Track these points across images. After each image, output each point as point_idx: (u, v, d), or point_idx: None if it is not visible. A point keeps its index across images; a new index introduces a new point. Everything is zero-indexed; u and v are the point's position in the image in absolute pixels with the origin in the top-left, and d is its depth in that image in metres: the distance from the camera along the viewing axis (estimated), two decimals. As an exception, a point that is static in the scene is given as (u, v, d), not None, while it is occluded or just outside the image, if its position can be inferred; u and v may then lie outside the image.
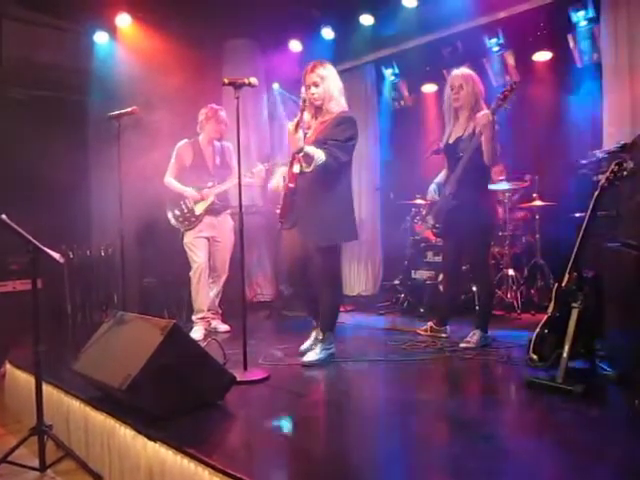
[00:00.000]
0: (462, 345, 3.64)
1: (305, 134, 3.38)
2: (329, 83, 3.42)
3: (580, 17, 4.83)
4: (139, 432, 2.39)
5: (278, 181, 3.63)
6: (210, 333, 4.40)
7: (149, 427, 2.37)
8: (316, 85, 3.39)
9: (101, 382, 2.72)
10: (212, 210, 4.47)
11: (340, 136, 3.31)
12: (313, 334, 3.66)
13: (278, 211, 3.54)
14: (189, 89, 5.28)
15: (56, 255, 2.70)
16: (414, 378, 3.17)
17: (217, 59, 6.27)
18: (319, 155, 3.23)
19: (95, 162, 5.74)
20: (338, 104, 3.43)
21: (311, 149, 3.24)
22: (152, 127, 5.12)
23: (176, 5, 5.12)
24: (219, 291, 4.66)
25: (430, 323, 4.08)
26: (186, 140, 4.52)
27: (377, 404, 2.80)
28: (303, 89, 3.42)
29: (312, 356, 3.40)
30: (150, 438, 2.32)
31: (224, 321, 4.67)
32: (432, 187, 3.87)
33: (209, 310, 4.56)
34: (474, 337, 3.67)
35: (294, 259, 3.52)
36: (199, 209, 4.44)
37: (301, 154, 3.25)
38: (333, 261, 3.51)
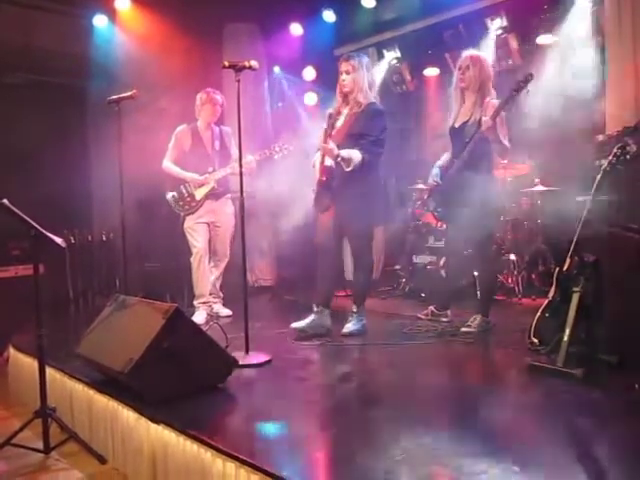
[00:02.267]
0: (463, 329, 3.65)
1: (336, 120, 3.62)
2: (360, 74, 3.60)
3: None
4: (142, 414, 2.42)
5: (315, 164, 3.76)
6: (212, 317, 4.42)
7: (151, 410, 2.39)
8: (347, 73, 3.60)
9: (104, 365, 2.74)
10: (212, 195, 4.47)
11: (374, 131, 3.55)
12: (312, 315, 3.76)
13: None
14: (189, 72, 5.25)
15: (58, 240, 2.71)
16: (414, 362, 3.18)
17: (217, 42, 6.21)
18: (356, 156, 3.49)
19: (95, 147, 5.73)
20: (366, 96, 3.61)
21: (346, 153, 3.49)
22: (152, 111, 5.10)
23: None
24: (220, 275, 4.68)
25: (431, 307, 4.09)
26: (185, 125, 4.50)
27: (377, 388, 2.82)
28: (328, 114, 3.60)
29: (350, 327, 3.71)
30: (153, 420, 2.34)
31: (225, 305, 4.68)
32: (434, 171, 3.85)
33: (211, 294, 4.58)
34: (475, 322, 3.68)
35: (326, 240, 3.76)
36: (200, 194, 4.43)
37: (339, 159, 3.51)
38: (367, 243, 3.77)
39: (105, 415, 2.67)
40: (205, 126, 4.50)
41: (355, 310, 3.80)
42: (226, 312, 4.61)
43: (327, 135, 3.54)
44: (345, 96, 3.67)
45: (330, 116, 3.58)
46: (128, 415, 2.49)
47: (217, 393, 2.67)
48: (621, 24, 4.43)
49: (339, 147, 3.53)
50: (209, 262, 4.58)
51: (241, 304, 3.25)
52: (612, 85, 4.49)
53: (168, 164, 4.46)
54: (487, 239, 3.82)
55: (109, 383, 2.74)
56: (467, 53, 3.73)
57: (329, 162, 3.60)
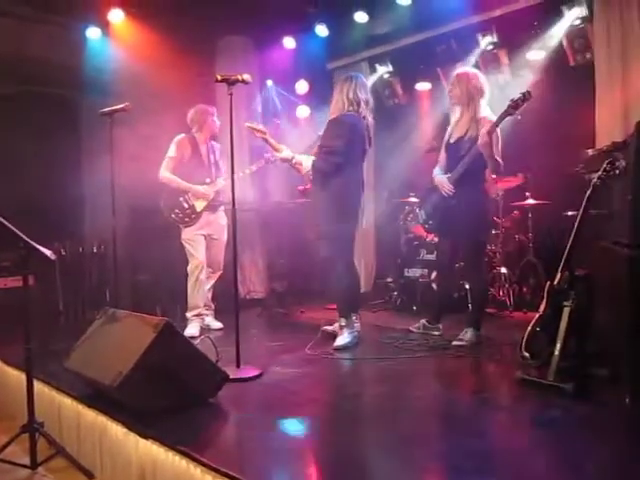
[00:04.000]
0: (455, 343, 3.65)
1: None
2: (336, 96, 3.83)
3: (573, 16, 4.84)
4: (131, 429, 2.39)
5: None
6: (203, 330, 4.40)
7: (141, 425, 2.37)
8: (334, 95, 3.85)
9: (93, 379, 2.71)
10: (210, 207, 4.47)
11: (327, 141, 3.74)
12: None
13: None
14: (182, 86, 5.26)
15: (47, 252, 2.69)
16: (406, 376, 3.17)
17: (210, 56, 6.24)
18: (307, 163, 3.78)
19: (87, 158, 5.72)
20: (333, 113, 3.81)
21: (298, 157, 3.83)
22: (145, 123, 5.10)
23: (169, 1, 5.10)
24: (211, 286, 4.66)
25: (423, 321, 4.09)
26: (184, 135, 4.51)
27: (369, 402, 2.81)
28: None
29: (340, 341, 3.72)
30: (142, 436, 2.32)
31: (217, 317, 4.66)
32: (436, 170, 3.88)
33: (203, 306, 4.55)
34: (467, 335, 3.68)
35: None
36: (200, 206, 4.44)
37: (294, 161, 3.83)
38: (334, 247, 3.80)
39: (93, 430, 2.63)
40: (204, 139, 4.53)
41: (343, 323, 3.79)
42: (217, 325, 4.59)
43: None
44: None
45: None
46: (117, 430, 2.46)
47: (208, 407, 2.64)
48: (610, 40, 4.48)
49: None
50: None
51: (232, 316, 3.24)
52: (601, 100, 4.53)
53: (167, 174, 4.43)
54: (479, 253, 3.84)
55: (98, 397, 2.71)
56: (456, 70, 3.81)
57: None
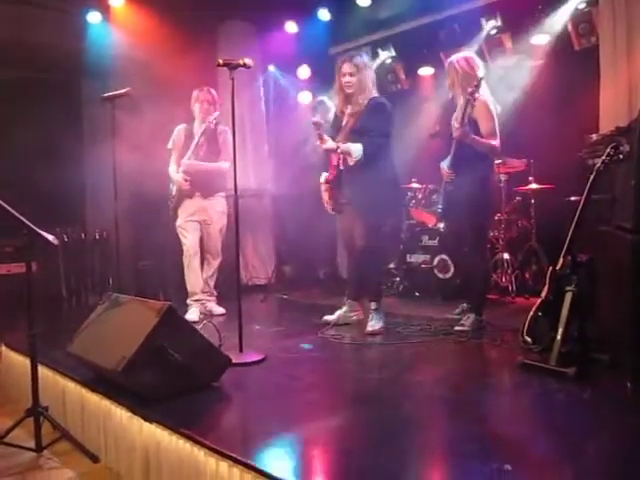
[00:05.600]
0: (456, 328, 3.66)
1: (340, 121, 3.84)
2: (364, 74, 3.71)
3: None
4: (135, 413, 2.41)
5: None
6: (205, 316, 4.41)
7: (145, 408, 2.39)
8: (352, 75, 3.68)
9: (96, 364, 2.73)
10: (202, 192, 4.45)
11: (373, 125, 3.64)
12: (343, 307, 4.03)
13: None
14: (184, 70, 5.23)
15: (50, 237, 2.69)
16: (408, 361, 3.18)
17: (212, 40, 6.19)
18: (356, 148, 3.62)
19: (89, 144, 5.71)
20: (368, 95, 3.71)
21: (345, 146, 3.66)
22: (146, 108, 5.08)
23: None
24: (213, 273, 4.66)
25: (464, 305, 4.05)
26: (183, 125, 4.51)
27: (370, 386, 2.82)
28: (317, 117, 3.88)
29: (374, 325, 3.75)
30: (146, 419, 2.34)
31: (219, 303, 4.67)
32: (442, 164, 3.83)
33: (204, 292, 4.57)
34: (468, 320, 3.69)
35: (349, 239, 3.94)
36: (173, 190, 4.48)
37: (339, 151, 3.70)
38: (377, 235, 3.83)
39: (98, 414, 2.66)
40: (198, 123, 4.49)
41: (374, 307, 3.83)
42: (220, 310, 4.60)
43: (321, 135, 3.71)
44: (347, 96, 3.75)
45: (336, 117, 3.79)
46: (121, 414, 2.48)
47: (211, 392, 2.66)
48: (615, 23, 4.44)
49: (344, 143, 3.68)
50: (202, 260, 4.57)
51: (234, 302, 3.25)
52: (605, 85, 4.50)
53: (170, 169, 4.49)
54: (480, 238, 3.84)
55: (102, 382, 2.73)
56: (448, 59, 3.83)
57: (335, 161, 3.79)
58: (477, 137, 3.54)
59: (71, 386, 2.91)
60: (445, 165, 3.72)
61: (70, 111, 5.88)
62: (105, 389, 2.66)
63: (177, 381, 2.54)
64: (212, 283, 4.68)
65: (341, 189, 3.85)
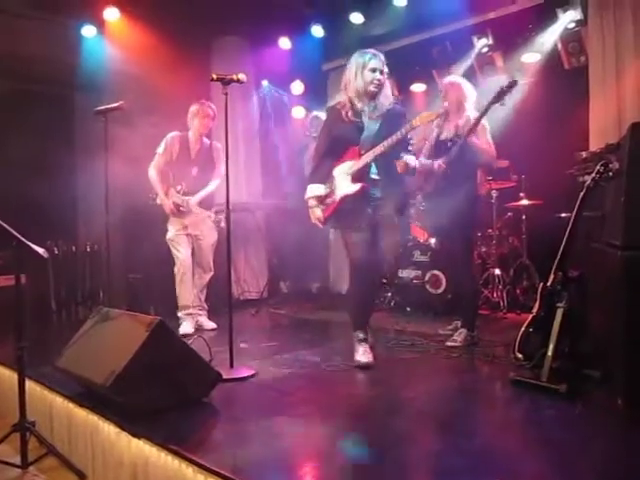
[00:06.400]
0: (448, 344, 3.65)
1: (353, 121, 3.31)
2: (385, 84, 3.38)
3: (568, 19, 4.87)
4: (123, 429, 2.38)
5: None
6: (196, 330, 4.39)
7: (133, 424, 2.36)
8: (382, 72, 3.32)
9: (85, 378, 2.70)
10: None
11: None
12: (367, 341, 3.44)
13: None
14: (177, 85, 5.25)
15: (40, 250, 2.67)
16: (399, 377, 3.17)
17: (206, 55, 6.23)
18: (412, 159, 3.32)
19: (82, 157, 5.70)
20: (388, 96, 3.41)
21: (412, 161, 3.29)
22: (140, 122, 5.08)
23: (165, 0, 5.09)
24: (204, 287, 4.65)
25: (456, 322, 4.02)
26: (176, 132, 4.49)
27: (362, 402, 2.81)
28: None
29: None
30: (134, 435, 2.31)
31: (210, 318, 4.65)
32: (421, 159, 3.79)
33: (195, 306, 4.55)
34: (460, 336, 3.69)
35: (367, 258, 3.32)
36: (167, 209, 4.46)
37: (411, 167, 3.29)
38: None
39: (85, 429, 2.62)
40: (196, 138, 4.50)
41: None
42: (211, 325, 4.58)
43: (356, 147, 3.28)
44: (371, 96, 3.31)
45: (357, 127, 3.29)
46: (109, 429, 2.45)
47: (200, 407, 2.64)
48: (604, 43, 4.51)
49: (371, 149, 3.27)
50: (193, 274, 4.56)
51: (226, 317, 3.23)
52: (595, 103, 4.56)
53: (152, 173, 4.44)
54: (471, 254, 3.86)
55: (90, 396, 2.70)
56: (445, 80, 3.91)
57: (374, 174, 3.33)
58: (477, 142, 3.60)
59: (59, 401, 2.87)
60: (427, 161, 3.73)
61: (63, 124, 5.88)
62: (93, 404, 2.63)
63: (166, 396, 2.52)
64: (203, 297, 4.66)
65: (368, 204, 3.32)
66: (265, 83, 6.80)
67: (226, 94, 3.20)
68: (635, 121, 2.62)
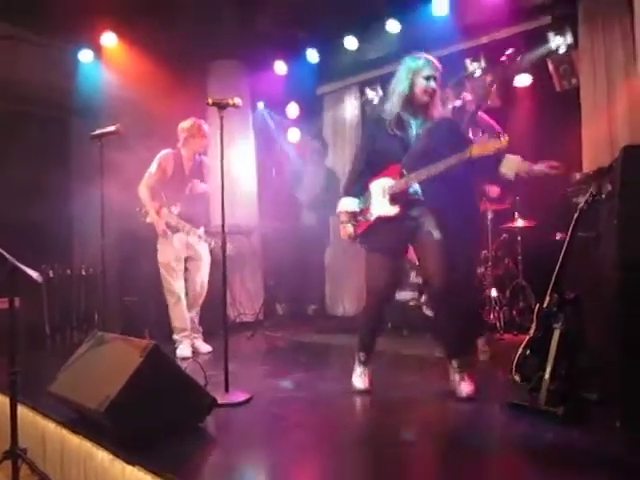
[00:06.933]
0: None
1: (398, 135, 3.02)
2: (439, 93, 3.07)
3: (559, 42, 4.95)
4: (117, 455, 2.34)
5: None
6: (192, 354, 4.35)
7: (127, 450, 2.32)
8: (435, 79, 3.00)
9: (79, 404, 2.66)
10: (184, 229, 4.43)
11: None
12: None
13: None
14: (174, 108, 5.29)
15: (34, 274, 2.66)
16: (393, 402, 3.13)
17: (202, 79, 6.30)
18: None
19: (77, 180, 5.71)
20: (439, 107, 3.11)
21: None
22: (136, 146, 5.11)
23: (162, 25, 5.15)
24: (198, 309, 4.62)
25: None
26: (169, 150, 4.47)
27: (357, 428, 2.78)
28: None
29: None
30: (128, 462, 2.27)
31: (206, 341, 4.61)
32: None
33: (191, 329, 4.52)
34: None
35: (387, 284, 3.23)
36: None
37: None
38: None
39: (78, 456, 2.58)
40: (189, 156, 4.49)
41: (456, 365, 3.08)
42: (206, 348, 4.54)
43: (398, 165, 3.00)
44: (422, 107, 3.04)
45: (402, 141, 3.01)
46: (102, 456, 2.41)
47: (196, 433, 2.60)
48: (595, 66, 4.58)
49: (414, 168, 2.96)
50: (186, 295, 4.54)
51: (221, 340, 3.21)
52: (587, 125, 4.62)
53: (144, 192, 4.38)
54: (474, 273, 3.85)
55: (83, 422, 2.66)
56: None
57: (416, 193, 3.06)
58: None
59: (51, 427, 2.83)
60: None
61: (59, 147, 5.90)
62: (87, 430, 2.59)
63: (161, 422, 2.49)
64: (197, 320, 4.63)
65: (402, 224, 3.08)
66: (261, 106, 6.87)
67: (222, 118, 3.22)
68: (627, 144, 2.65)
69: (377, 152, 3.11)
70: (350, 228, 3.18)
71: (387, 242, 3.09)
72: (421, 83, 2.98)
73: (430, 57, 3.06)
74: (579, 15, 4.69)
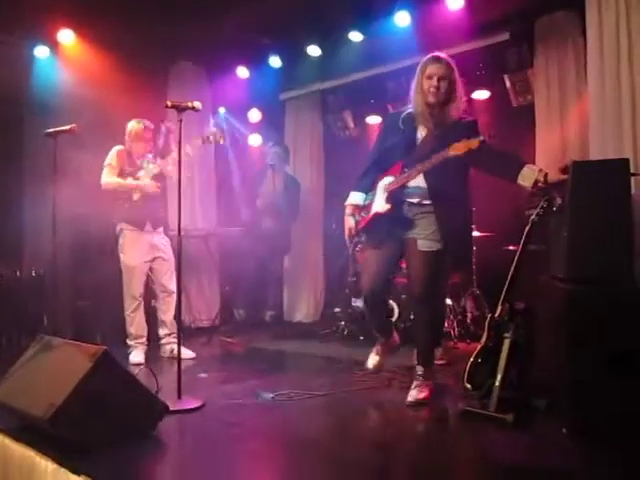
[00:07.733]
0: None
1: (407, 134, 3.04)
2: (455, 76, 2.98)
3: (515, 59, 5.09)
4: (62, 465, 2.26)
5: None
6: (172, 358, 4.20)
7: (73, 459, 2.25)
8: (442, 78, 2.94)
9: (23, 411, 2.57)
10: (152, 221, 4.33)
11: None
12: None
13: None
14: (133, 109, 5.19)
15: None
16: (350, 408, 3.15)
17: (163, 80, 6.20)
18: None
19: (29, 179, 5.54)
20: (461, 107, 3.05)
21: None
22: (92, 146, 4.99)
23: (123, 24, 5.05)
24: (173, 311, 4.43)
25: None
26: (123, 147, 4.41)
27: (310, 433, 2.77)
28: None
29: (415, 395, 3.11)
30: (74, 471, 2.20)
31: (157, 347, 4.51)
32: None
33: (170, 334, 4.42)
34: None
35: (378, 278, 3.18)
36: (136, 196, 4.30)
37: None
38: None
39: (21, 465, 2.48)
40: (138, 155, 4.44)
41: (420, 373, 3.17)
42: (189, 354, 4.38)
43: (400, 164, 3.00)
44: (429, 107, 2.99)
45: (409, 141, 3.02)
46: (47, 466, 2.32)
47: (146, 441, 2.55)
48: (549, 85, 4.73)
49: (429, 172, 2.94)
50: (156, 298, 4.43)
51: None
52: (540, 140, 4.75)
53: (110, 180, 4.28)
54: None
55: (27, 430, 2.57)
56: None
57: (413, 196, 3.05)
58: None
59: (-7, 435, 2.72)
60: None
61: (11, 145, 5.71)
62: (31, 438, 2.50)
63: (110, 429, 2.43)
64: (170, 320, 4.46)
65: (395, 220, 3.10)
66: (222, 110, 6.81)
67: (181, 121, 3.19)
68: (577, 159, 2.74)
69: (386, 149, 3.16)
70: (351, 221, 3.22)
71: (377, 239, 3.15)
72: (425, 83, 2.97)
73: (441, 55, 3.02)
74: (535, 33, 4.83)
